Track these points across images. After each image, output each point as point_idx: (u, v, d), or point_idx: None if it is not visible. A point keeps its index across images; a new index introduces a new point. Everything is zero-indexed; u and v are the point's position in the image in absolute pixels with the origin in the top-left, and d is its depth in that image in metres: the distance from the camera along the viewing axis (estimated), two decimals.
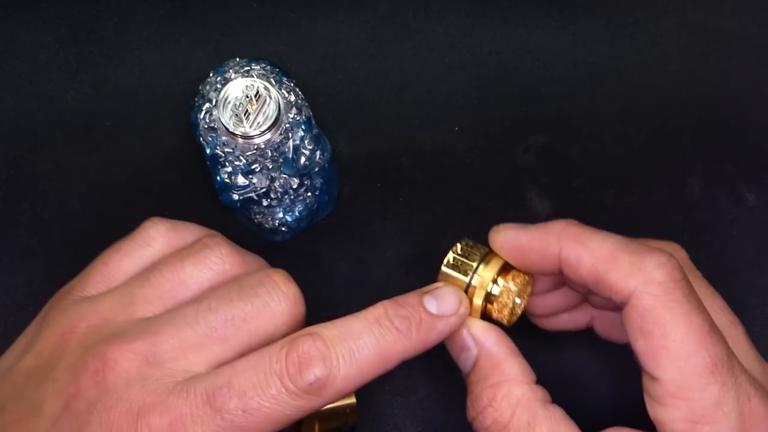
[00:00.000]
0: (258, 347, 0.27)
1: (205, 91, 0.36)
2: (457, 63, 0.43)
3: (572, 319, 0.34)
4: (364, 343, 0.27)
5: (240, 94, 0.34)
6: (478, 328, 0.30)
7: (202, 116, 0.36)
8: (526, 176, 0.41)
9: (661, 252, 0.28)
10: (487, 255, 0.31)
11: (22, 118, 0.42)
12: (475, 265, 0.30)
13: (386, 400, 0.38)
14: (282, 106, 0.35)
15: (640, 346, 0.27)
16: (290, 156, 0.35)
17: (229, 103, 0.34)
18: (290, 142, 0.35)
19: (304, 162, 0.36)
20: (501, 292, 0.30)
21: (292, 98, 0.36)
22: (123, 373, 0.26)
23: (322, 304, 0.39)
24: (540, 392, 0.29)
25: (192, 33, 0.44)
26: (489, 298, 0.30)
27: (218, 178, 0.35)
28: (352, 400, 0.32)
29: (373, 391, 0.38)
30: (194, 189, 0.41)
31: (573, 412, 0.29)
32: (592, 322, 0.34)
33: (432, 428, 0.37)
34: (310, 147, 0.36)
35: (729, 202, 0.41)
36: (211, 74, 0.37)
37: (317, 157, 0.36)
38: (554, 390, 0.29)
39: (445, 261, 0.31)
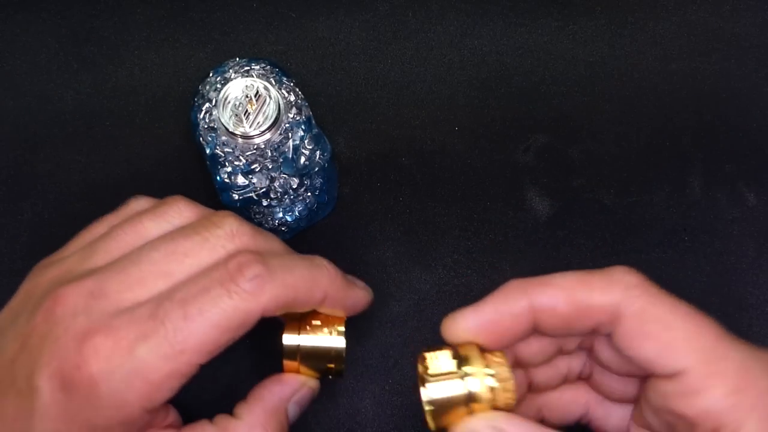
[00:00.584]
0: None
1: (205, 91, 0.36)
2: (457, 63, 0.43)
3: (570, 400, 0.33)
4: (296, 264, 0.29)
5: (240, 94, 0.34)
6: (503, 418, 0.27)
7: (202, 116, 0.36)
8: (526, 176, 0.41)
9: (619, 266, 0.28)
10: (457, 351, 0.28)
11: (22, 118, 0.42)
12: (454, 368, 0.27)
13: (386, 400, 0.38)
14: (282, 106, 0.35)
15: (648, 349, 0.27)
16: (290, 156, 0.35)
17: (229, 103, 0.34)
18: (290, 142, 0.35)
19: (304, 162, 0.36)
20: (498, 381, 0.27)
21: (292, 98, 0.36)
22: (70, 307, 0.27)
23: None
24: None
25: (192, 33, 0.44)
26: (492, 392, 0.27)
27: (218, 178, 0.35)
28: (341, 345, 0.32)
29: (373, 392, 0.38)
30: (194, 189, 0.41)
31: None
32: (541, 413, 0.33)
33: None
34: (310, 147, 0.36)
35: (729, 202, 0.41)
36: (211, 74, 0.37)
37: (317, 157, 0.36)
38: None
39: (425, 383, 0.27)
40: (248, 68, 0.36)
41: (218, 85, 0.36)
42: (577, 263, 0.39)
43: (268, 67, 0.37)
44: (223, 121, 0.34)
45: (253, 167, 0.35)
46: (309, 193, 0.37)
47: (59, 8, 0.44)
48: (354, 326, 0.39)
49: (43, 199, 0.41)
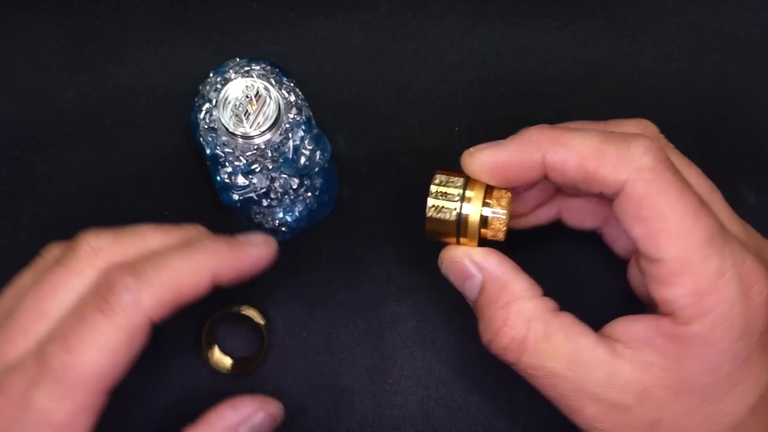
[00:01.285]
0: None
1: (205, 91, 0.36)
2: (457, 63, 0.43)
3: (544, 213, 0.35)
4: (169, 258, 0.28)
5: (240, 95, 0.34)
6: (479, 254, 0.31)
7: (202, 116, 0.36)
8: None
9: (642, 137, 0.28)
10: (468, 182, 0.31)
11: (22, 118, 0.42)
12: (458, 193, 0.31)
13: (386, 400, 0.38)
14: (282, 106, 0.35)
15: (638, 232, 0.28)
16: (290, 156, 0.35)
17: (229, 103, 0.34)
18: (290, 142, 0.35)
19: (304, 162, 0.36)
20: (493, 215, 0.31)
21: (292, 98, 0.36)
22: None
23: (322, 304, 0.39)
24: (549, 303, 0.30)
25: (192, 33, 0.44)
26: (483, 223, 0.31)
27: (218, 178, 0.35)
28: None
29: (373, 391, 0.38)
30: (194, 189, 0.41)
31: (580, 314, 0.30)
32: (560, 213, 0.35)
33: (432, 428, 0.37)
34: (310, 147, 0.36)
35: (729, 202, 0.41)
36: (211, 74, 0.37)
37: (317, 157, 0.36)
38: (559, 298, 0.31)
39: (430, 193, 0.31)
40: (248, 68, 0.36)
41: (218, 86, 0.36)
42: (578, 263, 0.39)
43: (268, 67, 0.37)
44: (223, 121, 0.34)
45: (253, 167, 0.35)
46: (309, 193, 0.37)
47: (59, 8, 0.44)
48: (354, 326, 0.39)
49: (43, 199, 0.41)
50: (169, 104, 0.42)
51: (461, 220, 0.31)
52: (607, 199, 0.29)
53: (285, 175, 0.36)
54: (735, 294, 0.27)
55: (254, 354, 0.38)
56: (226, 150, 0.35)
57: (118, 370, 0.27)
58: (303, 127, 0.35)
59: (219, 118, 0.34)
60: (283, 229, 0.38)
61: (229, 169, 0.35)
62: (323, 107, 0.42)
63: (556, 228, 0.37)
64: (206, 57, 0.43)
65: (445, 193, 0.31)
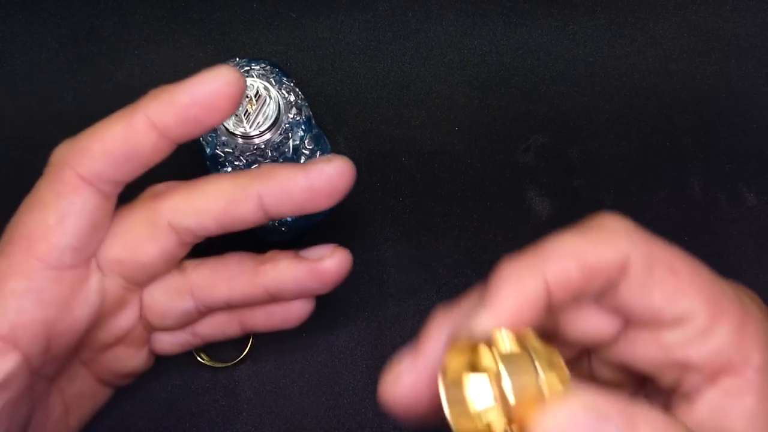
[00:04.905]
0: None
1: None
2: (457, 63, 0.43)
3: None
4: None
5: None
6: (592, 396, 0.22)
7: None
8: (526, 176, 0.41)
9: (608, 216, 0.26)
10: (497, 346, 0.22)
11: (22, 118, 0.42)
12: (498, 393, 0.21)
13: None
14: (282, 106, 0.35)
15: (656, 297, 0.25)
16: (290, 156, 0.35)
17: None
18: (290, 142, 0.35)
19: (304, 162, 0.36)
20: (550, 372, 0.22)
21: (292, 98, 0.36)
22: None
23: (322, 304, 0.39)
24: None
25: (192, 33, 0.44)
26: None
27: None
28: None
29: (373, 391, 0.38)
30: None
31: None
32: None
33: (431, 428, 0.37)
34: (310, 147, 0.36)
35: (729, 202, 0.41)
36: None
37: (317, 157, 0.36)
38: None
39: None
40: (248, 68, 0.36)
41: None
42: None
43: (268, 67, 0.37)
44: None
45: (253, 167, 0.35)
46: None
47: (59, 8, 0.44)
48: (354, 326, 0.39)
49: None
50: None
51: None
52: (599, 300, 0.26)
53: None
54: (755, 306, 0.26)
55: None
56: (226, 150, 0.35)
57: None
58: (303, 127, 0.35)
59: None
60: (283, 229, 0.38)
61: (229, 169, 0.35)
62: (323, 107, 0.42)
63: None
64: (206, 57, 0.43)
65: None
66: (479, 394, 0.21)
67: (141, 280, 0.32)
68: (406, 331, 0.38)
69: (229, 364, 0.38)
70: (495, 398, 0.21)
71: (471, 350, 0.22)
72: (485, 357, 0.22)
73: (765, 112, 0.42)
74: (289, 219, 0.38)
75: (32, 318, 0.28)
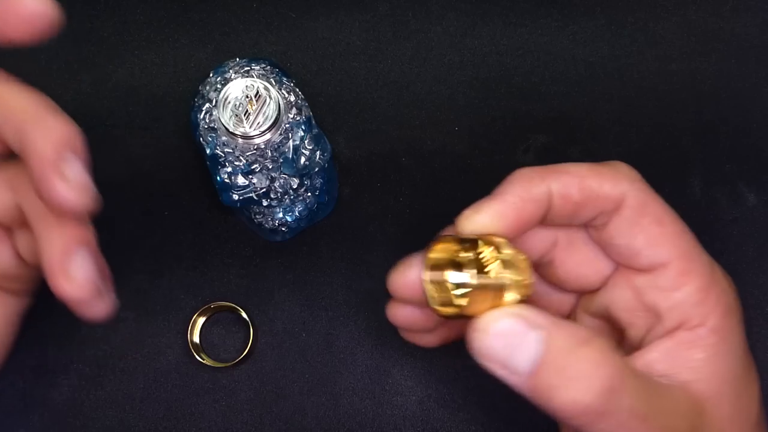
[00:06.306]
0: None
1: (205, 91, 0.36)
2: (457, 63, 0.43)
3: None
4: None
5: (240, 94, 0.34)
6: (527, 309, 0.26)
7: (202, 116, 0.36)
8: None
9: (618, 162, 0.30)
10: (478, 247, 0.27)
11: None
12: (475, 273, 0.26)
13: (386, 400, 0.38)
14: (282, 106, 0.35)
15: (639, 240, 0.28)
16: (290, 156, 0.35)
17: (229, 103, 0.34)
18: (290, 142, 0.35)
19: (304, 162, 0.36)
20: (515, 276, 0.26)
21: (292, 98, 0.36)
22: None
23: (322, 304, 0.39)
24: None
25: (192, 33, 0.44)
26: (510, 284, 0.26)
27: (218, 178, 0.35)
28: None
29: (373, 391, 0.38)
30: (194, 189, 0.41)
31: None
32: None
33: (432, 428, 0.37)
34: (310, 147, 0.36)
35: (729, 202, 0.41)
36: (211, 74, 0.37)
37: (317, 157, 0.36)
38: None
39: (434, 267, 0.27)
40: (248, 68, 0.36)
41: (218, 86, 0.36)
42: None
43: (268, 67, 0.37)
44: (223, 121, 0.34)
45: (253, 167, 0.35)
46: (309, 193, 0.37)
47: (59, 8, 0.44)
48: (354, 326, 0.39)
49: None
50: (169, 104, 0.42)
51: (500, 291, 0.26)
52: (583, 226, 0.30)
53: (285, 175, 0.36)
54: (727, 284, 0.28)
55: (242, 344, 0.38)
56: (226, 150, 0.35)
57: None
58: (303, 127, 0.35)
59: (219, 118, 0.34)
60: (283, 229, 0.38)
61: (229, 169, 0.35)
62: (323, 107, 0.42)
63: None
64: (206, 57, 0.43)
65: (459, 264, 0.26)
66: (454, 280, 0.26)
67: None
68: None
69: (229, 364, 0.38)
70: (465, 286, 0.26)
71: (457, 244, 0.27)
72: (464, 254, 0.27)
73: (765, 113, 0.42)
74: (289, 219, 0.38)
75: None
